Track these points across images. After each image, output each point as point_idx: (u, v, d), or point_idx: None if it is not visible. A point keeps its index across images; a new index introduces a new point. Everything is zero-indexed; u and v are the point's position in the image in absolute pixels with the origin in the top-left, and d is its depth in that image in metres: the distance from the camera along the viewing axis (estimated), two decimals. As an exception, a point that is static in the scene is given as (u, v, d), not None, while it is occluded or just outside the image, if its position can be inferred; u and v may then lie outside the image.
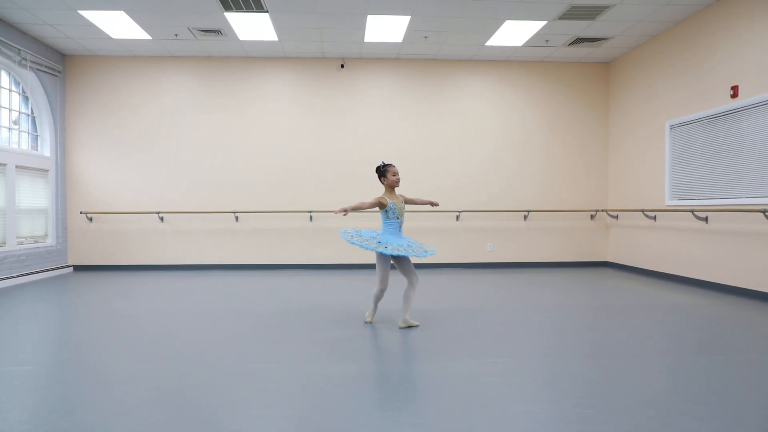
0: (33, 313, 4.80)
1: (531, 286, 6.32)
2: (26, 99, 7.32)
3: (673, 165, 6.74)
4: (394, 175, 4.16)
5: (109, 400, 2.61)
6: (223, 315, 4.69)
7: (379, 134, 8.13)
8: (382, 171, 4.18)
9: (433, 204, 4.52)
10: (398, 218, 4.10)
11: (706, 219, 6.10)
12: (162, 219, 7.96)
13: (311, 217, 8.05)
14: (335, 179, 8.07)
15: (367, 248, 3.89)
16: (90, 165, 7.91)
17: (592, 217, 8.40)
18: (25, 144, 7.26)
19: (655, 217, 7.12)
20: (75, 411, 2.47)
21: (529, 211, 8.24)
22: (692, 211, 6.19)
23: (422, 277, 6.95)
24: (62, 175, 7.81)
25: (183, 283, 6.70)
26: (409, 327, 4.18)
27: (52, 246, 7.54)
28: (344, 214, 3.92)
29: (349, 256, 8.10)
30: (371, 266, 8.07)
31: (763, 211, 5.13)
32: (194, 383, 2.86)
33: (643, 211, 7.25)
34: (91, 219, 7.91)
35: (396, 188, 4.24)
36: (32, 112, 7.42)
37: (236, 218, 8.02)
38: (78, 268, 7.94)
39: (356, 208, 4.01)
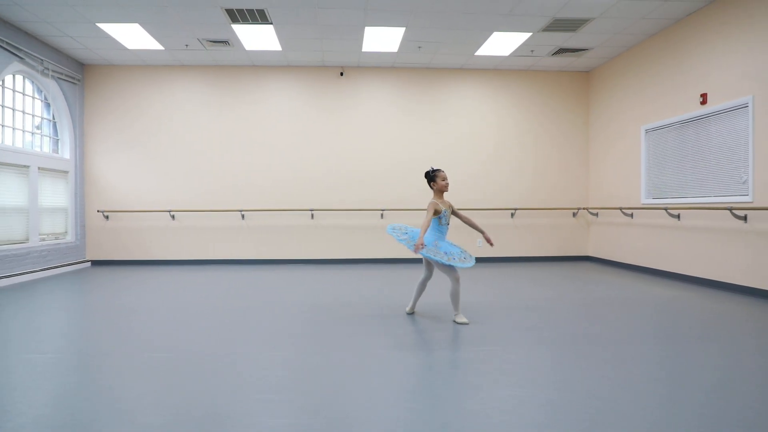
0: (54, 305, 4.85)
1: (517, 279, 6.41)
2: (48, 106, 7.39)
3: (648, 166, 6.83)
4: (443, 180, 3.94)
5: (126, 386, 2.62)
6: (231, 307, 4.74)
7: (376, 138, 8.21)
8: (432, 176, 3.95)
9: (486, 239, 3.95)
10: (447, 224, 3.96)
11: (678, 216, 6.19)
12: (173, 217, 8.04)
13: (312, 215, 8.13)
14: (335, 180, 8.16)
15: (426, 255, 3.69)
16: (106, 167, 8.00)
17: (574, 214, 8.49)
18: (46, 147, 7.34)
19: (632, 215, 7.21)
20: (93, 396, 2.48)
21: (516, 209, 8.32)
22: (665, 209, 6.28)
23: (414, 271, 7.03)
24: (81, 176, 7.89)
25: (192, 276, 6.78)
26: (461, 323, 3.95)
27: (71, 242, 7.62)
28: (422, 248, 3.65)
29: (347, 252, 8.19)
30: (368, 261, 8.18)
31: (729, 209, 5.22)
32: (206, 370, 2.86)
33: (620, 209, 7.34)
34: (107, 217, 7.99)
35: (445, 193, 4.02)
36: (53, 118, 7.49)
37: (242, 216, 8.10)
38: (95, 263, 8.03)
39: (425, 230, 3.71)
